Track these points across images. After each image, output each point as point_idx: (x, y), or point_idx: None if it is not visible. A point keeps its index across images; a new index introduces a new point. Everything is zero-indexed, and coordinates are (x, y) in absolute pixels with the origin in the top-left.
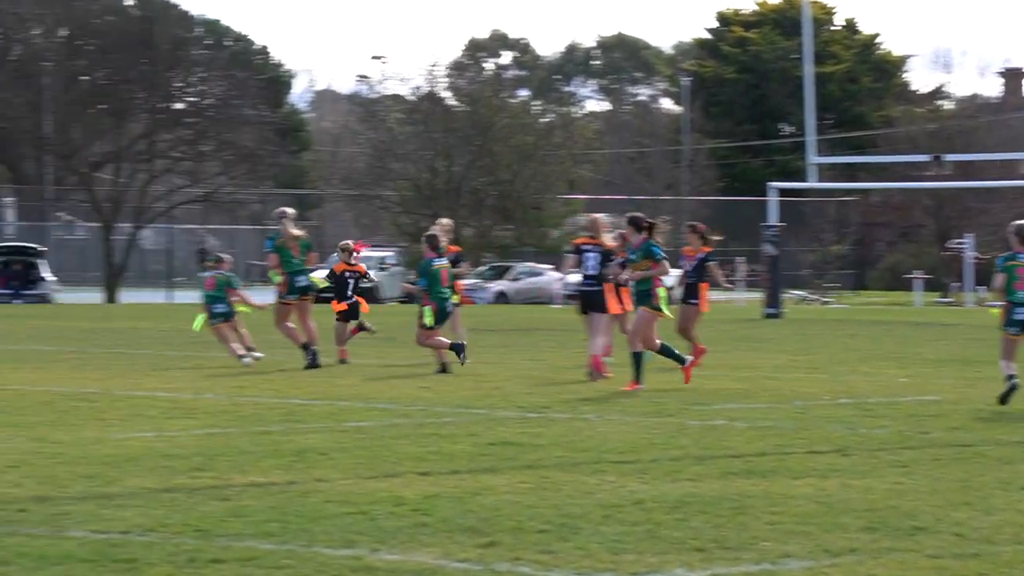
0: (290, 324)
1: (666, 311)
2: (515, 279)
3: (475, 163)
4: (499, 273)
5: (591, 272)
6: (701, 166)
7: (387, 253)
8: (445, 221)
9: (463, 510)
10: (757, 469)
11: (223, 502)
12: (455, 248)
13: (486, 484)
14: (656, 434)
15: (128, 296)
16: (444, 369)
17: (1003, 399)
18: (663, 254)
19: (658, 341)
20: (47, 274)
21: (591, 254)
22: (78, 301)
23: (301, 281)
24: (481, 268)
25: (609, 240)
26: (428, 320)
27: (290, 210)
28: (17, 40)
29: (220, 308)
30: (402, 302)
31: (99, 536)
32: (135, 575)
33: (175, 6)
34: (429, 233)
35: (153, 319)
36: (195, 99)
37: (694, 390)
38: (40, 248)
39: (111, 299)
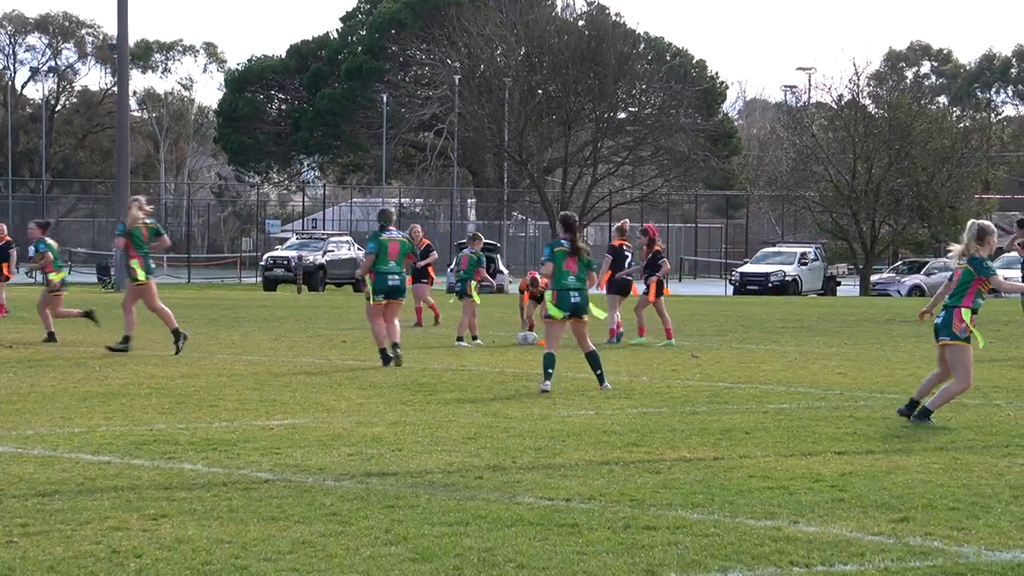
0: (133, 308)
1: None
2: (929, 274)
3: (893, 165)
4: (915, 268)
5: None
6: None
7: (808, 248)
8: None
9: (877, 487)
10: None
11: (655, 475)
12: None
13: (899, 464)
14: None
15: None
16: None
17: None
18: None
19: None
20: (503, 267)
21: None
22: None
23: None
24: (897, 263)
25: None
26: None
27: (142, 197)
28: (482, 59)
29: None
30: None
31: (545, 502)
32: (577, 538)
33: (622, 24)
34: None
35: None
36: (636, 109)
37: None
38: (496, 244)
39: None
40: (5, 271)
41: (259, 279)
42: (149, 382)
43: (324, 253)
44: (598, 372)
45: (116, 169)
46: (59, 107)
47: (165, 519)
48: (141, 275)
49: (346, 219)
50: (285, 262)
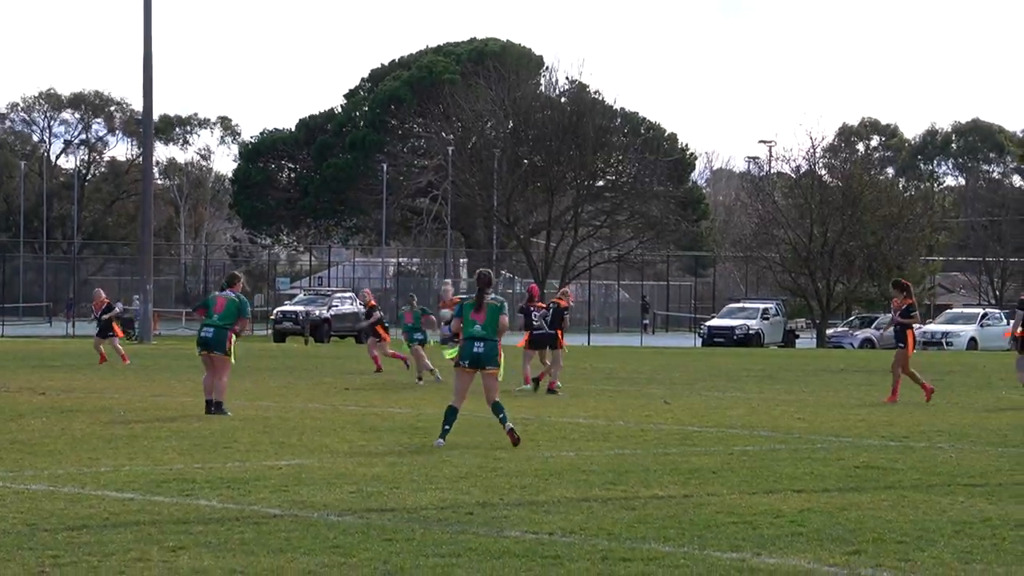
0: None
1: None
2: (878, 328)
3: (846, 230)
4: (866, 323)
5: None
6: None
7: (769, 304)
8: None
9: (832, 522)
10: None
11: (630, 511)
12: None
13: (852, 501)
14: (1004, 461)
15: None
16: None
17: None
18: None
19: None
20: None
21: None
22: (511, 344)
23: None
24: (851, 318)
25: None
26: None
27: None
28: (474, 131)
29: (419, 336)
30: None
31: (530, 536)
32: (559, 569)
33: (601, 100)
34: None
35: (577, 359)
36: (613, 177)
37: None
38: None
39: None
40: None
41: (270, 332)
42: (169, 426)
43: (329, 308)
44: (500, 416)
45: (141, 232)
46: (89, 176)
47: (183, 551)
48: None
49: (349, 276)
50: (294, 316)
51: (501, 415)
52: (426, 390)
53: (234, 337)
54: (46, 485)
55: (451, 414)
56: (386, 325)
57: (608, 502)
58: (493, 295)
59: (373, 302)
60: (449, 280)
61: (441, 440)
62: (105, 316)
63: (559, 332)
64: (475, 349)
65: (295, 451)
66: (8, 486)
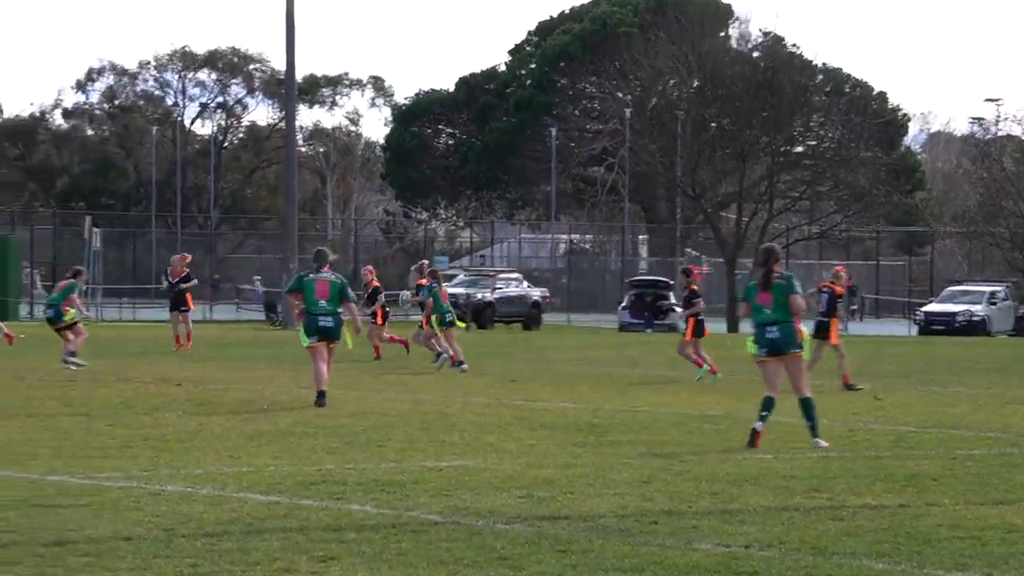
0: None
1: None
2: None
3: None
4: None
5: None
6: None
7: (997, 287)
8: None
9: None
10: None
11: (837, 522)
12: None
13: None
14: None
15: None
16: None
17: None
18: None
19: None
20: (675, 305)
21: None
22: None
23: None
24: None
25: None
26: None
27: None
28: (654, 91)
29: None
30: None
31: (723, 549)
32: None
33: (799, 56)
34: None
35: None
36: (813, 142)
37: None
38: (669, 281)
39: (732, 329)
40: (189, 302)
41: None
42: (316, 421)
43: (493, 290)
44: (809, 421)
45: (284, 205)
46: (227, 143)
47: (334, 561)
48: None
49: (515, 255)
50: (453, 299)
51: (810, 422)
52: (609, 383)
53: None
54: (183, 486)
55: (768, 403)
56: (387, 309)
57: (811, 512)
58: (779, 272)
59: (376, 282)
60: (369, 267)
61: (760, 423)
62: (183, 285)
63: (833, 321)
64: (768, 335)
65: (456, 451)
66: (143, 487)
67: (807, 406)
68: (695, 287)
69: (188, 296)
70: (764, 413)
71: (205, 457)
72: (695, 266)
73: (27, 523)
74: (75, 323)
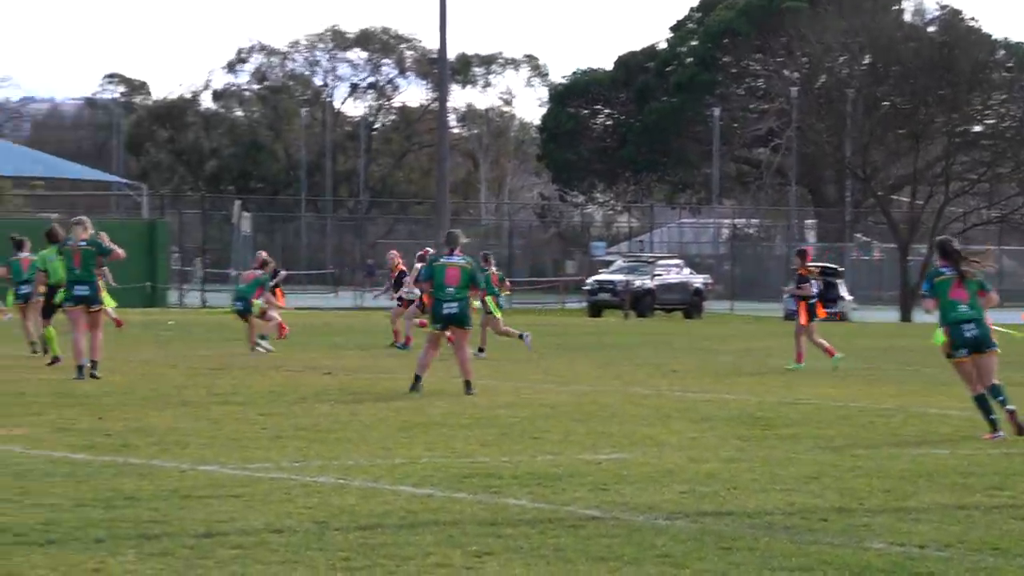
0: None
1: None
2: None
3: None
4: None
5: None
6: None
7: None
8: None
9: None
10: None
11: (1020, 521)
12: None
13: None
14: None
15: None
16: None
17: None
18: None
19: None
20: (845, 293)
21: None
22: (874, 320)
23: (80, 290)
24: None
25: None
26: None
27: (86, 219)
28: (822, 69)
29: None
30: None
31: (897, 549)
32: None
33: (977, 30)
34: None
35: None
36: (993, 121)
37: None
38: (838, 268)
39: (905, 318)
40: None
41: (584, 304)
42: (470, 412)
43: (652, 277)
44: (1000, 398)
45: (436, 189)
46: (377, 125)
47: (489, 556)
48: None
49: (675, 240)
50: (611, 286)
51: (1000, 397)
52: (773, 374)
53: (477, 303)
54: (335, 478)
55: (983, 400)
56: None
57: (993, 511)
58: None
59: (403, 266)
60: (395, 252)
61: (999, 434)
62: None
63: None
64: (968, 333)
65: (615, 443)
66: (293, 478)
67: (987, 398)
68: (807, 270)
69: (278, 291)
70: (992, 417)
71: (357, 448)
72: (809, 248)
73: (177, 514)
74: (263, 312)
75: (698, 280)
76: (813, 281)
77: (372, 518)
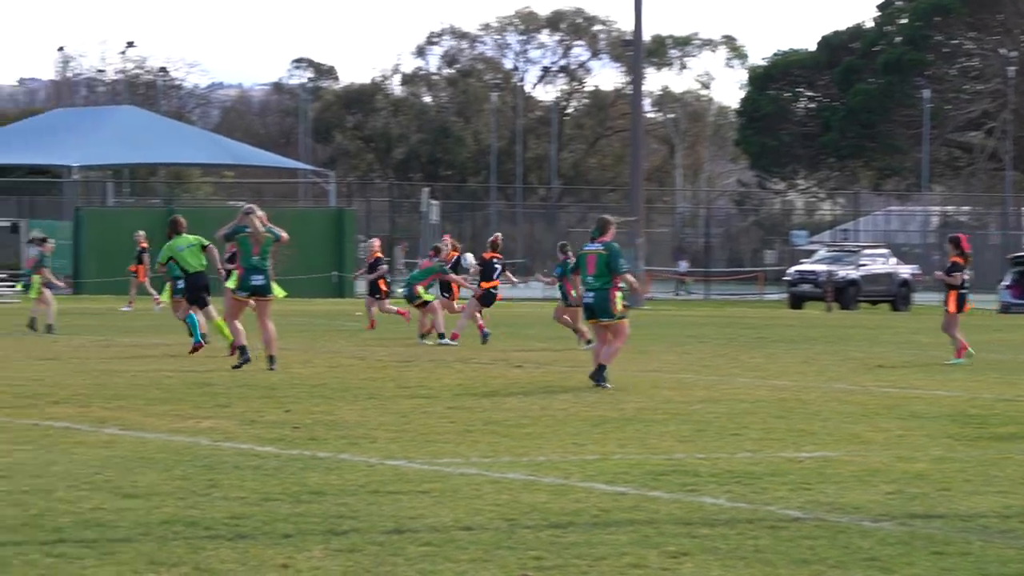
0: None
1: None
2: None
3: None
4: None
5: None
6: None
7: None
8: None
9: None
10: None
11: None
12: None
13: None
14: None
15: None
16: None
17: None
18: None
19: None
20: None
21: None
22: None
23: (256, 280)
24: None
25: None
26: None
27: (258, 208)
28: None
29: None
30: None
31: None
32: None
33: None
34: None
35: None
36: None
37: None
38: None
39: None
40: (382, 287)
41: (784, 295)
42: (665, 407)
43: (857, 267)
44: None
45: (630, 175)
46: (569, 109)
47: (686, 557)
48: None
49: (881, 229)
50: (813, 277)
51: None
52: (988, 369)
53: (619, 296)
54: (525, 474)
55: None
56: (388, 280)
57: None
58: None
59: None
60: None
61: None
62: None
63: None
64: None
65: (818, 441)
66: (483, 474)
67: None
68: (960, 258)
69: (381, 282)
70: None
71: (547, 444)
72: (964, 235)
73: (366, 509)
74: (426, 302)
75: (906, 271)
76: (964, 271)
77: (563, 516)
